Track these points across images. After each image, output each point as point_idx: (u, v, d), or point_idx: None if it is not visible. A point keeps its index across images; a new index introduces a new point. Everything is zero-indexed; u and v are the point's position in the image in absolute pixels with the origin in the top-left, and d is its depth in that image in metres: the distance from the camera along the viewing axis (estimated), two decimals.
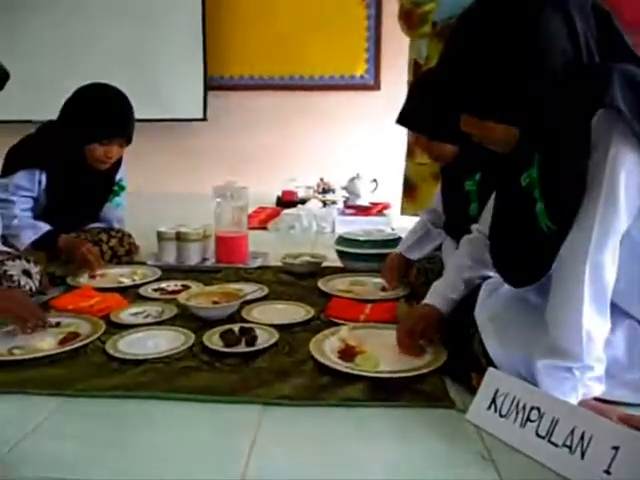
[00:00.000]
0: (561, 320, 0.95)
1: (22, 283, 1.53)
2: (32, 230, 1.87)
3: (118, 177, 2.14)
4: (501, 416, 0.95)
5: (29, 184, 1.91)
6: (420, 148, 1.76)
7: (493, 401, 0.97)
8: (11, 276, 1.50)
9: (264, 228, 2.88)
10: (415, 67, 2.67)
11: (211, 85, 4.22)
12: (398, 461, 0.90)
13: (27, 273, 1.56)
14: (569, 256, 0.93)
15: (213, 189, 2.10)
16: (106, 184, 2.11)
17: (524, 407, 0.92)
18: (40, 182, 1.92)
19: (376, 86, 4.14)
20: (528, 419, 0.91)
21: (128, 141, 1.98)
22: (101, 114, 1.89)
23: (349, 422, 1.01)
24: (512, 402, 0.94)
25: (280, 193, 3.57)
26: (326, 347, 1.26)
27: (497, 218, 1.15)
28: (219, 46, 4.18)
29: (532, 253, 1.01)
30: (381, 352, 1.23)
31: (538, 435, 0.89)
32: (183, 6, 4.09)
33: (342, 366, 1.16)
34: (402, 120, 1.59)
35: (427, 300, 1.28)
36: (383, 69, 4.10)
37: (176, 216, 2.35)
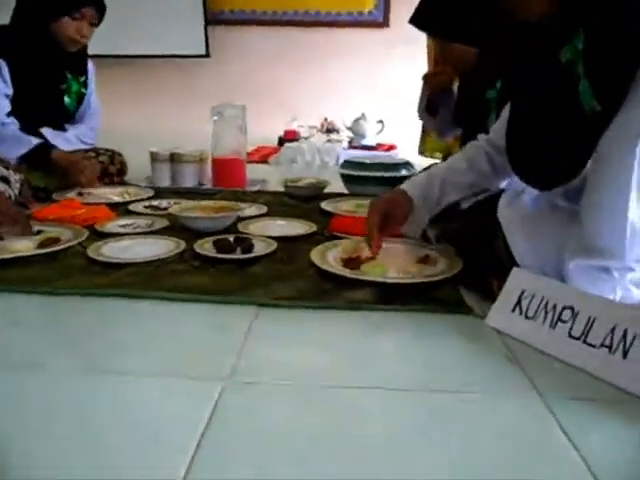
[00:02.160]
0: (602, 212, 0.83)
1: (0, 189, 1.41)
2: (22, 143, 1.69)
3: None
4: (527, 318, 0.84)
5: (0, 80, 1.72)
6: (438, 63, 1.62)
7: (518, 303, 0.86)
8: None
9: (265, 162, 2.75)
10: None
11: (210, 19, 4.00)
12: (413, 358, 0.80)
13: (4, 179, 1.44)
14: (616, 140, 0.81)
15: (210, 109, 1.97)
16: (77, 69, 1.91)
17: (554, 307, 0.81)
18: (5, 75, 1.72)
19: (385, 23, 3.91)
20: (559, 319, 0.80)
21: (100, 17, 1.80)
22: None
23: (357, 325, 0.90)
24: (540, 302, 0.83)
25: (282, 133, 3.42)
26: (329, 256, 1.15)
27: (522, 108, 1.01)
28: None
29: (570, 141, 0.88)
30: (389, 262, 1.11)
31: (571, 336, 0.78)
32: None
33: (347, 272, 1.05)
34: (416, 20, 1.44)
35: (403, 186, 1.16)
36: (393, 4, 3.87)
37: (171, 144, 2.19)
